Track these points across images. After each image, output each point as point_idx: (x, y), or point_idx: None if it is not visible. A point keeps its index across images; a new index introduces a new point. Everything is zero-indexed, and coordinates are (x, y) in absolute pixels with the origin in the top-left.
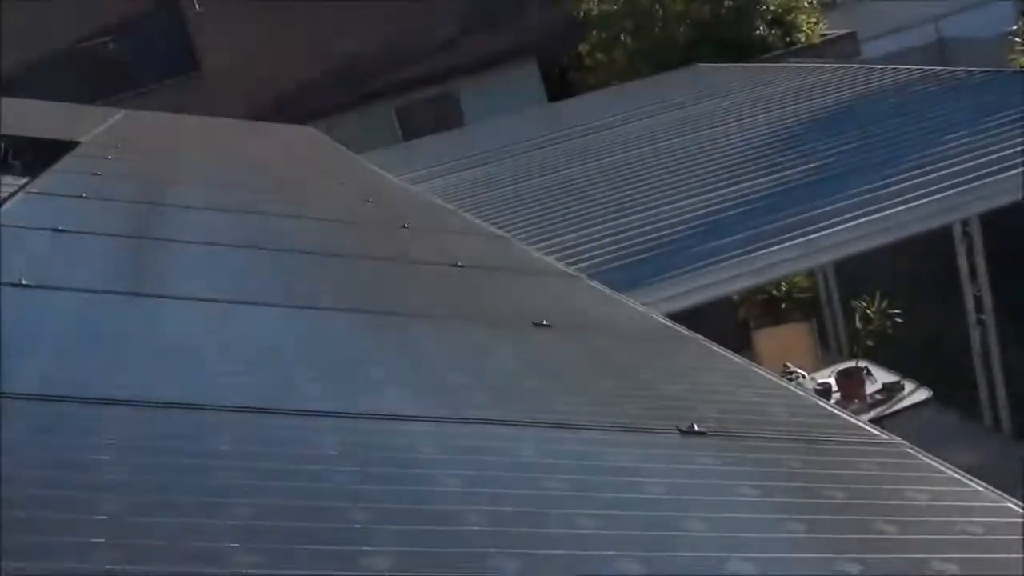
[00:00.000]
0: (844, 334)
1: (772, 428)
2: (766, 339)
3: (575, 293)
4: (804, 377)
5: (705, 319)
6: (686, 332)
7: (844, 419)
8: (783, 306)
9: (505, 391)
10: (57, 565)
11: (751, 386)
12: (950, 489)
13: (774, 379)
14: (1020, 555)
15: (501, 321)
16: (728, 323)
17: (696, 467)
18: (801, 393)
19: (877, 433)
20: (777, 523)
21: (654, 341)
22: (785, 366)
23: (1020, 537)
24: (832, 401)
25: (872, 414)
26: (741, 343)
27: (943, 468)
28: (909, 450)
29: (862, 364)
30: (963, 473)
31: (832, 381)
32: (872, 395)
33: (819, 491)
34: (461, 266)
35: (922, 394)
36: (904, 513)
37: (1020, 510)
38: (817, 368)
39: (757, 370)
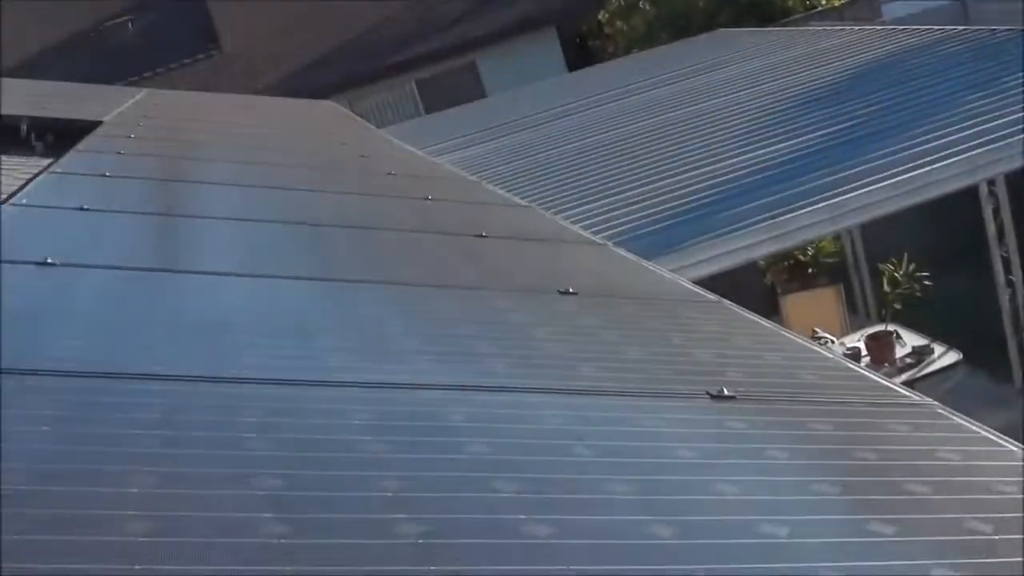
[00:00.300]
0: (872, 298)
1: (802, 391)
2: (794, 304)
3: (601, 260)
4: (833, 342)
5: (732, 284)
6: (713, 297)
7: (874, 380)
8: (810, 271)
9: (533, 358)
10: (86, 538)
11: (780, 350)
12: (983, 449)
13: (803, 342)
14: None
15: (527, 289)
16: (755, 288)
17: (727, 431)
18: (830, 356)
19: (908, 394)
20: (809, 485)
21: (681, 306)
22: (814, 331)
23: None
24: (862, 365)
25: (902, 378)
26: (769, 309)
27: (976, 428)
28: (941, 411)
29: (891, 328)
30: (996, 433)
31: (861, 345)
32: (902, 359)
33: (851, 453)
34: (485, 236)
35: (952, 357)
36: (937, 473)
37: None
38: (846, 332)
39: (786, 334)
